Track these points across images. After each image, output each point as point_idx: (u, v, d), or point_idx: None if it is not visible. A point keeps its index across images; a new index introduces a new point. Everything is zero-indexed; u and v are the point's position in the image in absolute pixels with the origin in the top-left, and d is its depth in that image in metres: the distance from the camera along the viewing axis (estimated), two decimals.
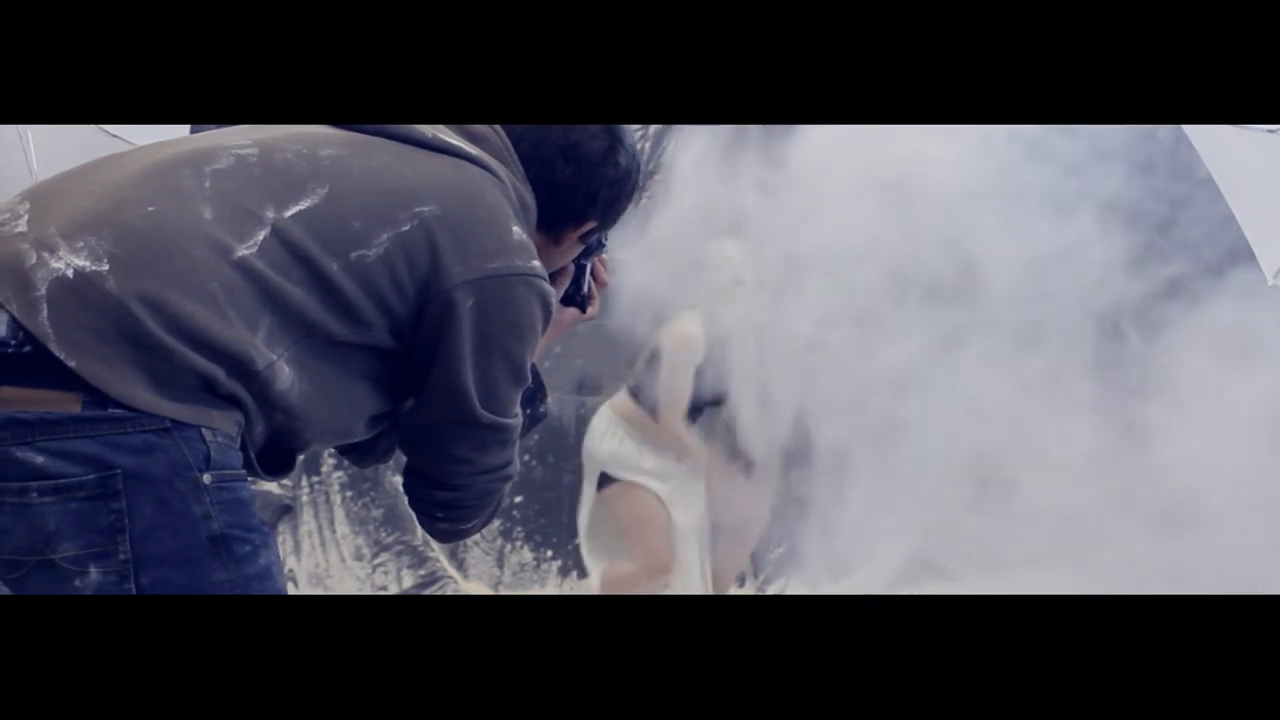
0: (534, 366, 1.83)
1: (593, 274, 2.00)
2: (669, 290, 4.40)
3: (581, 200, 1.87)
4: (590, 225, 1.91)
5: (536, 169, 1.83)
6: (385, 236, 1.65)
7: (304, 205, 1.64)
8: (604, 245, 1.99)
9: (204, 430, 1.56)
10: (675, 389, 4.43)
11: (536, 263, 1.75)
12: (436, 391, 1.73)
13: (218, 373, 1.57)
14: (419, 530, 4.64)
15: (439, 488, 1.82)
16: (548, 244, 1.89)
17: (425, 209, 1.67)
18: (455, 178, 1.72)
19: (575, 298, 1.98)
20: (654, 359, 4.45)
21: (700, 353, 4.45)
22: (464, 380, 1.71)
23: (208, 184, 1.62)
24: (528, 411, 1.88)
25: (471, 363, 1.71)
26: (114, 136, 3.92)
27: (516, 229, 1.73)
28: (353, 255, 1.64)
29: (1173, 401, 4.41)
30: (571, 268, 1.97)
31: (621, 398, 4.50)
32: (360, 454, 1.95)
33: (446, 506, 1.84)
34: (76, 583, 1.53)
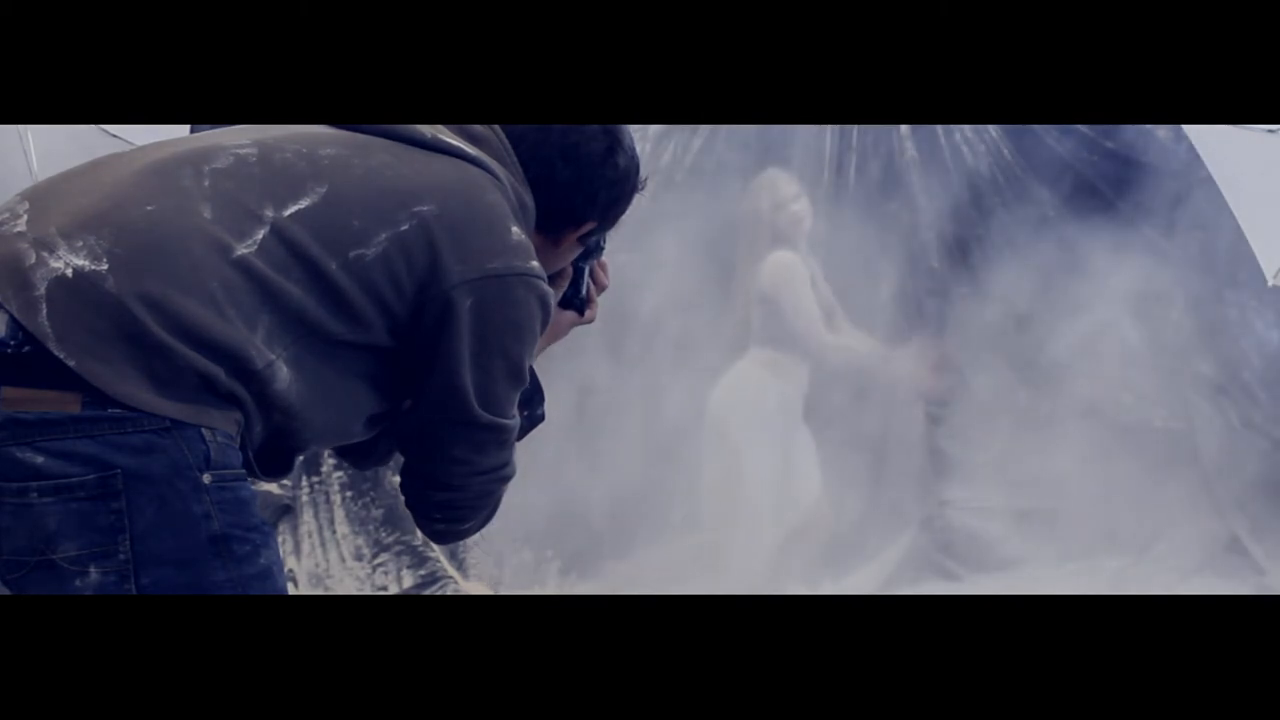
0: (532, 369, 1.83)
1: (592, 277, 1.99)
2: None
3: (581, 201, 1.87)
4: (589, 227, 1.90)
5: (536, 170, 1.83)
6: (384, 236, 1.65)
7: (303, 205, 1.64)
8: (603, 248, 1.99)
9: (204, 430, 1.56)
10: (803, 308, 4.39)
11: (535, 263, 1.74)
12: (435, 391, 1.72)
13: (217, 372, 1.56)
14: (419, 530, 4.64)
15: (437, 488, 1.82)
16: (547, 245, 1.88)
17: (424, 209, 1.67)
18: (454, 178, 1.72)
19: (574, 301, 1.97)
20: (765, 300, 4.40)
21: (803, 267, 4.42)
22: (462, 380, 1.71)
23: (207, 183, 1.62)
24: (525, 414, 1.88)
25: (470, 363, 1.71)
26: (114, 136, 3.92)
27: (515, 229, 1.73)
28: (351, 255, 1.64)
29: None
30: (570, 270, 1.96)
31: (759, 353, 4.44)
32: (359, 455, 1.95)
33: (444, 507, 1.84)
34: (77, 583, 1.53)
